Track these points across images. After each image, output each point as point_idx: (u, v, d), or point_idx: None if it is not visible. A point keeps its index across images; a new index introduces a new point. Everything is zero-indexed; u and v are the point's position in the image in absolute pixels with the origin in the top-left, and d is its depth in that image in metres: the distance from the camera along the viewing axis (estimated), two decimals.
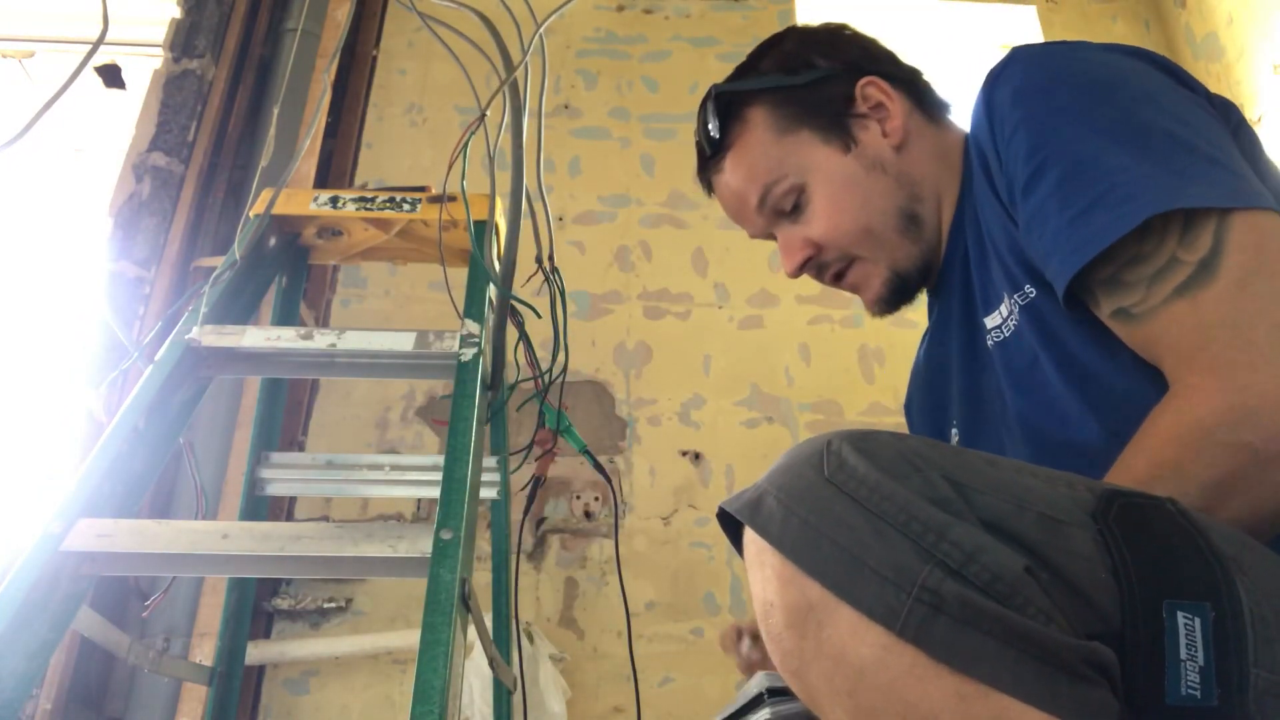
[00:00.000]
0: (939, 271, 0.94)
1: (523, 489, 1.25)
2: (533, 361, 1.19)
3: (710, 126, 0.94)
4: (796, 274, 0.95)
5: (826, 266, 0.94)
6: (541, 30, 1.20)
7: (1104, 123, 0.71)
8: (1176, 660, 0.48)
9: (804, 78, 0.91)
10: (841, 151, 0.90)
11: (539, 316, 1.16)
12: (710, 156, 0.96)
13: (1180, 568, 0.50)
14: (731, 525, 0.59)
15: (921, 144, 0.91)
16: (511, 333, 1.13)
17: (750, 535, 0.55)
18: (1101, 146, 0.70)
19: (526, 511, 1.23)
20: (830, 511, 0.51)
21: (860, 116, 0.90)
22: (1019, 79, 0.77)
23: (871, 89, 0.90)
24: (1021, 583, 0.47)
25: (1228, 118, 0.75)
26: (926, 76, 0.97)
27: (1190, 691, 0.48)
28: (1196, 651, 0.48)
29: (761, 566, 0.54)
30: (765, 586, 0.53)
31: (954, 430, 0.94)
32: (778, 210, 0.93)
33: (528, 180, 1.10)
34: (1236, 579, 0.50)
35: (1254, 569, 0.52)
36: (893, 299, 0.94)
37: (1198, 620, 0.49)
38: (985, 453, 0.56)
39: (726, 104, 0.94)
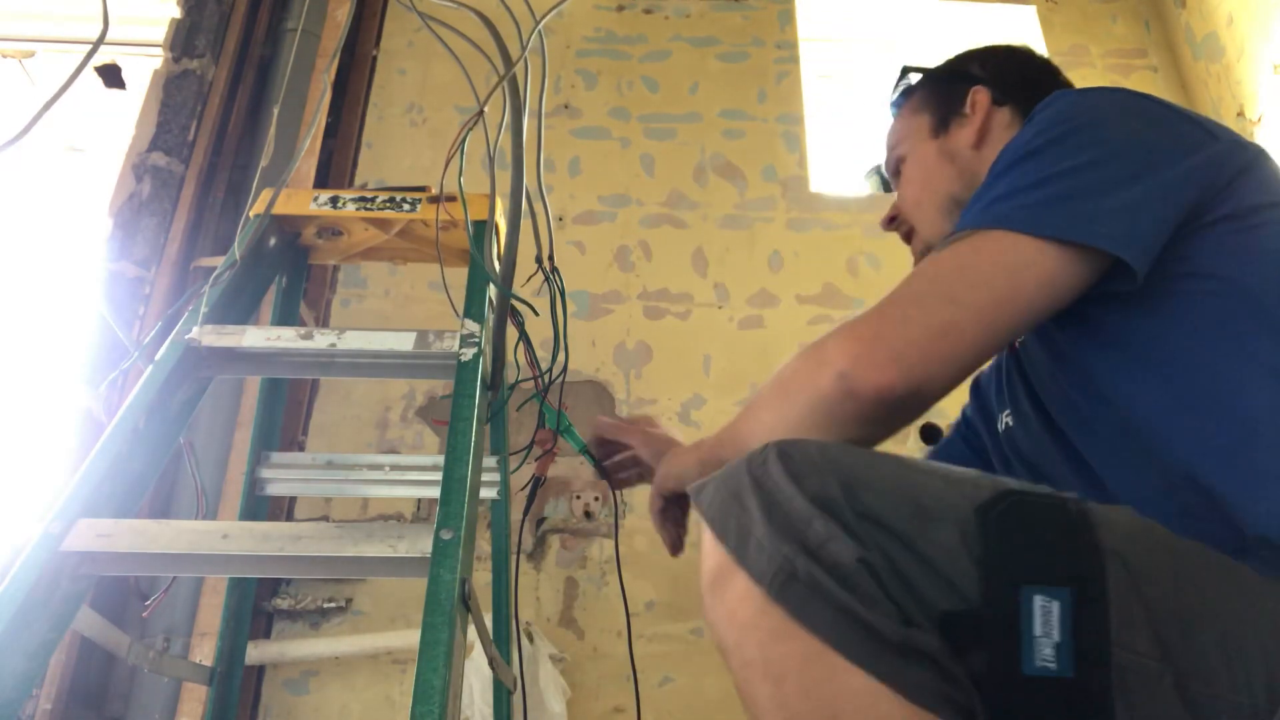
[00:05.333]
0: None
1: (522, 489, 1.25)
2: (533, 361, 1.19)
3: (897, 90, 1.13)
4: (884, 227, 1.12)
5: (900, 227, 1.10)
6: (540, 28, 1.20)
7: (1034, 164, 0.78)
8: (1032, 637, 0.57)
9: (953, 77, 1.07)
10: (933, 138, 1.05)
11: (536, 315, 1.16)
12: (894, 116, 1.14)
13: (1047, 557, 0.59)
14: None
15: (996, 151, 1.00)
16: (511, 332, 1.13)
17: (695, 509, 0.69)
18: (1005, 179, 0.79)
19: (526, 511, 1.24)
20: (739, 496, 0.64)
21: (962, 115, 1.03)
22: (1036, 115, 0.84)
23: (978, 96, 1.02)
24: (854, 570, 0.58)
25: (1229, 161, 0.77)
26: None
27: (1045, 664, 0.56)
28: (1053, 630, 0.57)
29: (701, 538, 0.67)
30: (703, 553, 0.67)
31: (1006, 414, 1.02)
32: (894, 172, 1.11)
33: (527, 180, 1.10)
34: (1109, 569, 0.58)
35: (1143, 563, 0.60)
36: None
37: (1056, 604, 0.57)
38: (910, 458, 0.67)
39: (913, 78, 1.12)
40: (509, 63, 1.13)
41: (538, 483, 1.21)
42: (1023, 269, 0.72)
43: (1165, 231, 0.74)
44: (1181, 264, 0.75)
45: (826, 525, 0.59)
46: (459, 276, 1.19)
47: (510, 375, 1.15)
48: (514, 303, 1.12)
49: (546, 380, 1.18)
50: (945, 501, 0.61)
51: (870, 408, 0.71)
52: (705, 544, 0.67)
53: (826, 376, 0.71)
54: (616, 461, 1.20)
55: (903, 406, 0.71)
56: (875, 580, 0.58)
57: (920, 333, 0.70)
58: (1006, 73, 1.05)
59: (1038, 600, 0.57)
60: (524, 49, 1.16)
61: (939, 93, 1.07)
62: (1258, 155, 0.79)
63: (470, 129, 1.10)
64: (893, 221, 1.10)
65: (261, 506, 1.23)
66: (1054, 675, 0.56)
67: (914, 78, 1.12)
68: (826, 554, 0.58)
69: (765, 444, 0.66)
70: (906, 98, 1.11)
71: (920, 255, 1.07)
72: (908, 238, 1.10)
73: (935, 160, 1.03)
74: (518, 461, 1.26)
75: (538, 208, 1.24)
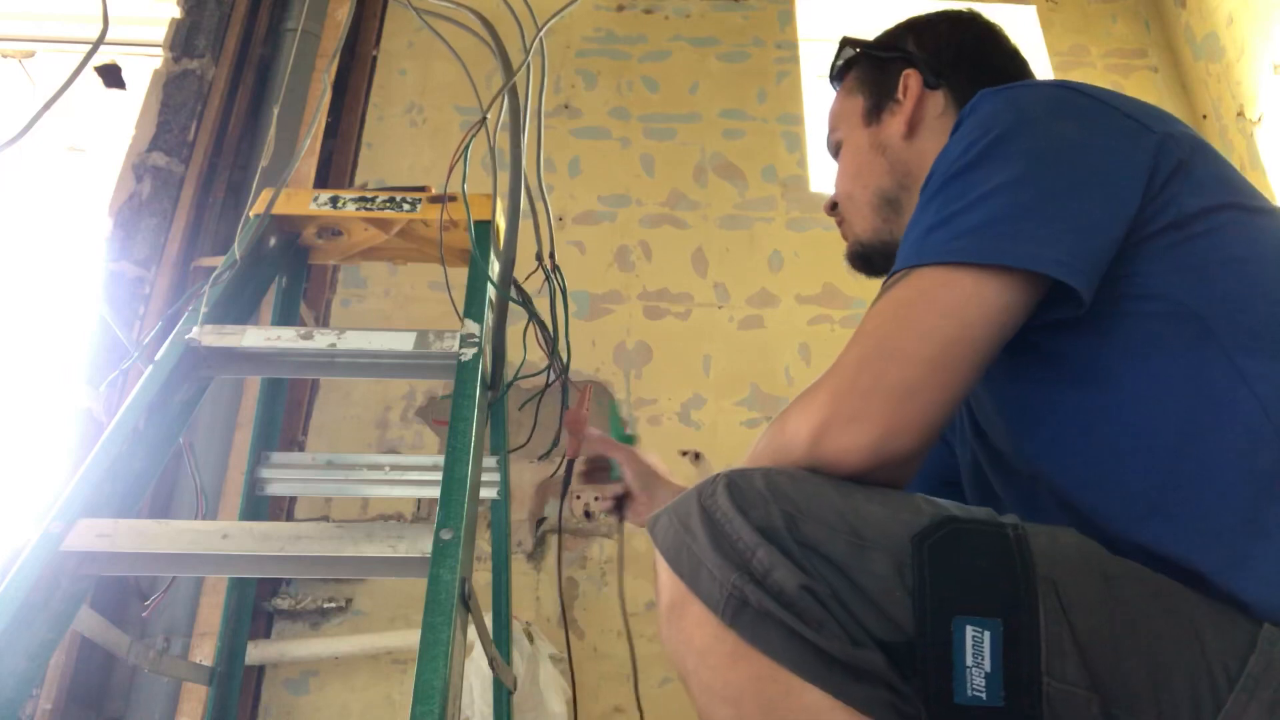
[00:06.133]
0: None
1: (553, 475, 1.26)
2: (552, 349, 1.20)
3: (835, 66, 1.08)
4: (826, 212, 1.07)
5: (839, 215, 1.06)
6: (542, 33, 1.20)
7: (963, 184, 0.72)
8: (964, 667, 0.57)
9: (888, 54, 1.01)
10: (866, 125, 1.00)
11: (537, 319, 1.17)
12: (835, 91, 1.10)
13: (980, 587, 0.60)
14: None
15: (932, 143, 0.95)
16: (519, 322, 1.14)
17: (651, 540, 0.69)
18: (934, 204, 0.74)
19: (564, 491, 1.23)
20: (689, 526, 0.65)
21: (895, 101, 0.98)
22: (963, 121, 0.78)
23: (909, 80, 0.97)
24: (798, 596, 0.59)
25: (1164, 159, 0.71)
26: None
27: (976, 694, 0.57)
28: (984, 660, 0.57)
29: (656, 568, 0.68)
30: (658, 583, 0.68)
31: None
32: (834, 155, 1.07)
33: (528, 180, 1.10)
34: (1041, 600, 0.59)
35: (1076, 590, 0.60)
36: (854, 260, 1.04)
37: (987, 634, 0.58)
38: (856, 485, 0.65)
39: (849, 52, 1.07)
40: (510, 70, 1.13)
41: (570, 465, 1.21)
42: (965, 305, 0.67)
43: (1112, 249, 0.69)
44: (1127, 283, 0.69)
45: (770, 554, 0.61)
46: (459, 276, 1.19)
47: (509, 372, 1.15)
48: (519, 293, 1.12)
49: (561, 369, 1.19)
50: (883, 530, 0.62)
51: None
52: (660, 575, 0.67)
53: (794, 461, 0.68)
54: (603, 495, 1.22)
55: (882, 478, 0.66)
56: (821, 605, 0.59)
57: (878, 404, 0.65)
58: (942, 50, 0.98)
59: (969, 630, 0.58)
60: (526, 55, 1.17)
61: (873, 73, 1.02)
62: (1195, 149, 0.73)
63: (473, 136, 1.10)
64: (834, 208, 1.06)
65: (261, 506, 1.23)
66: (984, 705, 0.57)
67: (853, 51, 1.06)
68: (772, 582, 0.60)
69: (716, 474, 0.67)
70: (845, 72, 1.06)
71: (851, 249, 1.03)
72: (840, 223, 1.06)
73: (867, 152, 0.99)
74: (546, 447, 1.27)
75: (538, 207, 1.24)
